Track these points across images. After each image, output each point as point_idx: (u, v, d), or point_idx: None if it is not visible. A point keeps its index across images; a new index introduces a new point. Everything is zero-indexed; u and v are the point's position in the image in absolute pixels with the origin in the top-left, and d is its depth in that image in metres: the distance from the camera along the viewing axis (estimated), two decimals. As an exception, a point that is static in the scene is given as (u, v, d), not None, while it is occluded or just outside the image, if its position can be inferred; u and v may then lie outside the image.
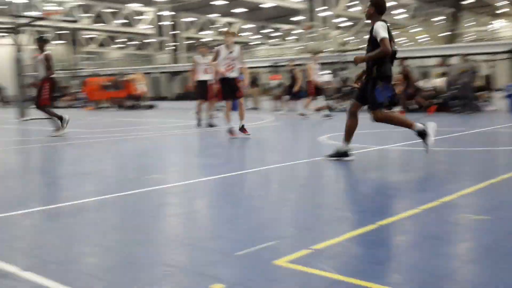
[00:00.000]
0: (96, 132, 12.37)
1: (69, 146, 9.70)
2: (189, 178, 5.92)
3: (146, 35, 56.53)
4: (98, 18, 49.03)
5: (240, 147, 9.00)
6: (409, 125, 6.28)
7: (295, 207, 4.43)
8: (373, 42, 6.11)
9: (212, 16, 54.15)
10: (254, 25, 58.52)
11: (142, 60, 60.27)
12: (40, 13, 17.42)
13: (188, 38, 55.89)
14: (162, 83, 52.36)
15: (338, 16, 43.28)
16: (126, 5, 48.12)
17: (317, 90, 15.58)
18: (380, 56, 6.03)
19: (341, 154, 6.52)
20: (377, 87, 6.12)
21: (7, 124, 15.41)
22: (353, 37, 48.06)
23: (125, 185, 5.50)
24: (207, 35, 56.66)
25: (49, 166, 7.69)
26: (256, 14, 53.91)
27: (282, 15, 53.91)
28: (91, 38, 58.10)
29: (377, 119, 6.28)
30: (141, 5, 49.03)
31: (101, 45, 59.11)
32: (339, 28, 59.12)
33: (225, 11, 52.56)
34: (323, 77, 18.58)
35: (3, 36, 22.87)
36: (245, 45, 58.94)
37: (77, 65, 49.36)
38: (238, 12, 53.47)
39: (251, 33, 59.52)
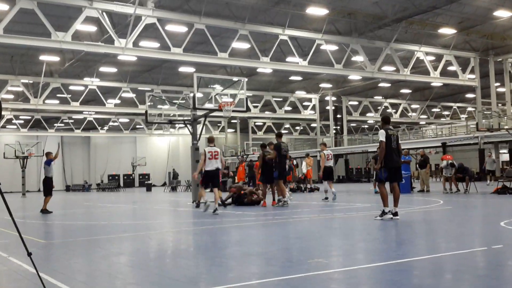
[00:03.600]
0: (261, 215, 12.70)
1: (237, 228, 10.06)
2: (353, 264, 5.68)
3: (310, 120, 58.51)
4: (266, 107, 52.21)
5: (408, 233, 8.51)
6: None
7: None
8: None
9: (376, 98, 54.33)
10: (419, 106, 57.23)
11: (307, 143, 62.02)
12: (215, 105, 18.96)
13: (351, 121, 56.49)
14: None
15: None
16: (292, 94, 50.66)
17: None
18: None
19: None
20: None
21: (183, 207, 16.62)
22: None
23: (289, 268, 5.45)
24: (370, 117, 56.74)
25: (217, 247, 7.99)
26: (423, 94, 52.84)
27: (451, 93, 52.12)
28: (258, 126, 61.75)
29: None
30: (305, 93, 51.21)
31: (268, 131, 62.40)
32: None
33: (387, 93, 52.44)
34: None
35: (181, 127, 25.22)
36: (412, 125, 57.63)
37: (246, 151, 52.29)
38: (403, 93, 52.97)
39: (418, 113, 58.16)
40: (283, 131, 64.50)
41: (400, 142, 10.46)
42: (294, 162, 27.36)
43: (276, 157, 14.97)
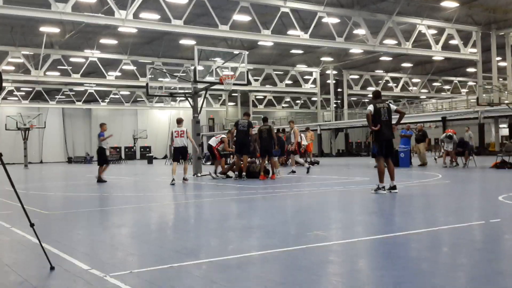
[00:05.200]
0: (261, 188, 12.80)
1: (235, 201, 10.16)
2: (352, 236, 5.76)
3: (311, 94, 58.35)
4: (267, 80, 52.02)
5: (406, 206, 8.60)
6: None
7: (469, 273, 4.04)
8: None
9: (377, 72, 54.07)
10: (420, 80, 56.98)
11: (307, 117, 62.00)
12: (215, 78, 18.90)
13: (352, 95, 56.36)
14: (325, 140, 53.12)
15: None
16: (293, 67, 50.41)
17: None
18: None
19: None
20: None
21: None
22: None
23: (288, 240, 5.53)
24: (370, 92, 56.54)
25: (218, 219, 8.08)
26: (425, 68, 52.55)
27: (453, 67, 51.81)
28: (259, 99, 61.62)
29: None
30: (306, 66, 50.95)
31: (269, 105, 62.27)
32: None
33: (389, 67, 52.15)
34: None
35: (182, 100, 25.21)
36: (412, 99, 57.50)
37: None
38: (404, 67, 52.68)
39: (419, 87, 57.95)
40: (283, 105, 64.50)
41: (393, 113, 10.29)
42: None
43: (233, 134, 16.24)
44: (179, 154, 15.64)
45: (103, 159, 16.84)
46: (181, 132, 15.37)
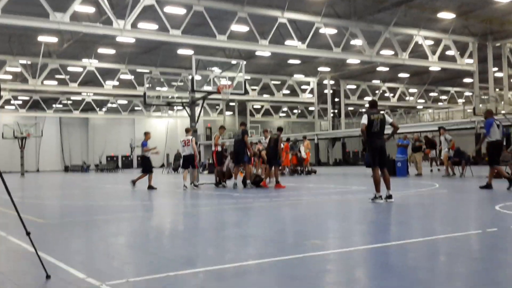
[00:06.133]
0: (259, 196, 12.79)
1: (234, 210, 10.14)
2: (349, 246, 5.76)
3: (308, 103, 58.47)
4: (264, 90, 52.13)
5: (403, 216, 8.60)
6: None
7: (467, 283, 4.03)
8: None
9: (374, 82, 54.24)
10: (417, 90, 57.17)
11: (304, 127, 62.08)
12: (213, 87, 18.93)
13: (349, 105, 56.49)
14: (322, 149, 53.17)
15: (511, 77, 40.49)
16: (290, 77, 50.55)
17: None
18: None
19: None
20: None
21: (181, 188, 16.68)
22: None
23: (285, 250, 5.52)
24: (367, 101, 56.60)
25: (215, 228, 8.06)
26: (421, 78, 52.73)
27: (449, 77, 52.00)
28: (256, 109, 61.71)
29: None
30: (304, 76, 51.09)
31: (266, 114, 62.33)
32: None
33: (386, 77, 52.34)
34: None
35: (179, 109, 25.22)
36: (409, 109, 57.63)
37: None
38: (401, 77, 52.87)
39: (416, 97, 58.13)
40: (281, 114, 64.62)
41: (388, 125, 10.28)
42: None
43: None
44: (186, 162, 16.47)
45: (147, 167, 17.20)
46: (187, 141, 16.30)
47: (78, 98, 53.54)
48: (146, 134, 17.55)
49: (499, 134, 13.31)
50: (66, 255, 5.52)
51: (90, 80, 44.11)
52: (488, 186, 12.78)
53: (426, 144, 22.94)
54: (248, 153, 16.25)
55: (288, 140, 27.77)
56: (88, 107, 56.00)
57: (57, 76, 43.04)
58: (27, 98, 51.93)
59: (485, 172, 20.03)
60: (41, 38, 32.95)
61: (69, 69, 41.91)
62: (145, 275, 4.46)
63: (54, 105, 54.56)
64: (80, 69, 41.32)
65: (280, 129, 17.40)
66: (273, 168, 16.58)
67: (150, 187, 16.71)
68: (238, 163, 16.27)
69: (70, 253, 5.79)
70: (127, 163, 64.39)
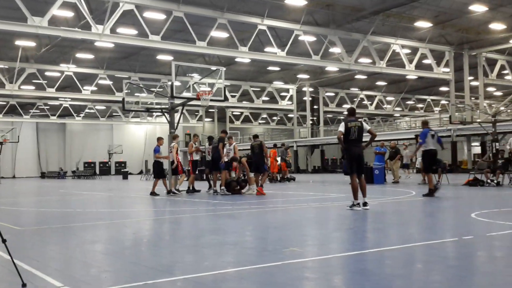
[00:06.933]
0: (238, 204, 12.79)
1: (213, 216, 10.11)
2: (327, 253, 5.79)
3: (287, 110, 58.68)
4: (244, 97, 52.18)
5: (381, 223, 8.68)
6: None
7: (442, 289, 4.09)
8: None
9: (352, 90, 54.73)
10: (394, 98, 57.87)
11: (284, 134, 62.29)
12: (193, 93, 18.90)
13: (327, 112, 56.86)
14: (301, 156, 53.37)
15: (486, 86, 41.26)
16: (270, 84, 50.72)
17: None
18: None
19: None
20: None
21: (159, 195, 16.58)
22: (505, 107, 45.17)
23: (264, 257, 5.53)
24: (346, 109, 57.01)
25: (193, 235, 8.03)
26: (399, 86, 53.38)
27: (426, 86, 52.74)
28: (236, 116, 61.72)
29: None
30: (283, 83, 51.33)
31: (245, 121, 62.38)
32: (490, 97, 56.32)
33: (363, 85, 52.87)
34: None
35: (158, 115, 25.05)
36: (386, 117, 58.25)
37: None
38: (379, 85, 53.44)
39: (393, 105, 58.81)
40: (260, 121, 64.75)
41: (365, 133, 10.41)
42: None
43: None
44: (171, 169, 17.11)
45: (159, 172, 17.09)
46: (172, 148, 17.00)
47: (56, 103, 52.86)
48: (159, 140, 17.32)
49: (433, 144, 13.90)
50: (42, 263, 5.45)
51: (68, 85, 43.63)
52: (430, 193, 13.15)
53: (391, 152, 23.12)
54: (221, 160, 16.42)
55: (275, 146, 27.91)
56: (66, 113, 55.34)
57: (35, 81, 42.48)
58: (3, 103, 51.11)
59: (461, 180, 20.37)
60: (19, 43, 32.53)
61: (47, 74, 41.40)
62: (123, 283, 4.43)
63: (31, 111, 53.77)
64: (58, 74, 40.84)
65: (256, 136, 17.56)
66: (263, 173, 16.68)
67: (170, 192, 16.70)
68: (216, 169, 16.54)
69: (46, 260, 5.71)
70: (105, 170, 63.72)
